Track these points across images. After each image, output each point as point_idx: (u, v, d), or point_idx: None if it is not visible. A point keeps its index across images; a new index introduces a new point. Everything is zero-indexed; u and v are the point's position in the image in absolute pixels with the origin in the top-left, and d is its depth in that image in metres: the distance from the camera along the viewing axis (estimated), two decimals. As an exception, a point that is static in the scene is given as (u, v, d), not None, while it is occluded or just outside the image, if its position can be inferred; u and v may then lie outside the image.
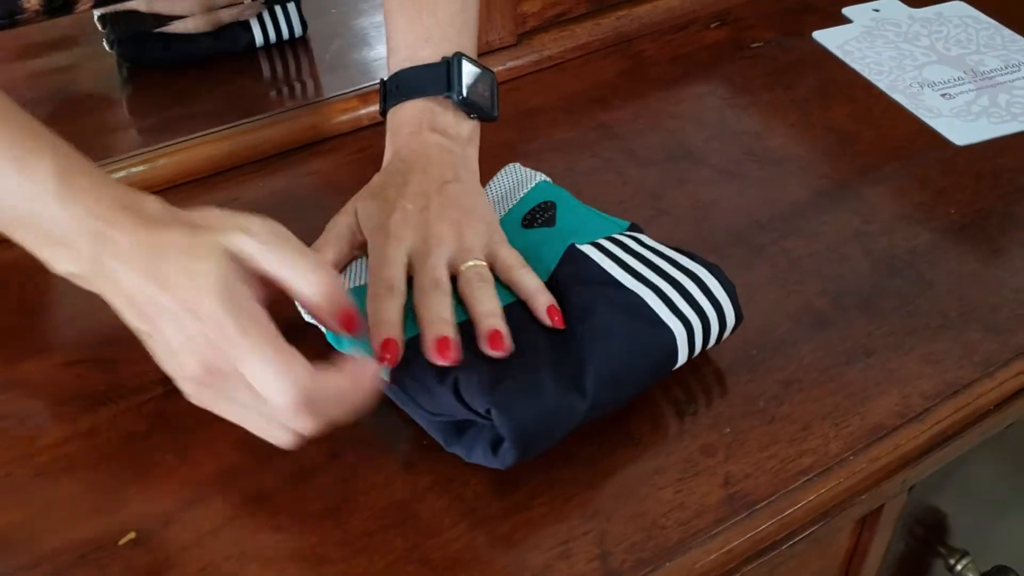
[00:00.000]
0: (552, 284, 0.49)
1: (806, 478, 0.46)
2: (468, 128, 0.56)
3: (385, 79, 0.57)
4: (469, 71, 0.55)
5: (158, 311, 0.40)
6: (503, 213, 0.55)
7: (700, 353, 0.49)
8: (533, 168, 0.58)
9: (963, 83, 0.70)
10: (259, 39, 0.71)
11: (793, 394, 0.50)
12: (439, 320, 0.46)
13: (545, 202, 0.54)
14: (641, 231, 0.53)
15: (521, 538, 0.43)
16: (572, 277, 0.49)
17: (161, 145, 0.61)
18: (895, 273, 0.57)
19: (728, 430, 0.48)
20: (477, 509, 0.44)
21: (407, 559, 0.43)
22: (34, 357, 0.51)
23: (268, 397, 0.39)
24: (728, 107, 0.70)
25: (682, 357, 0.47)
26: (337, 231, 0.51)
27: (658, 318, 0.46)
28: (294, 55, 0.73)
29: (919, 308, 0.55)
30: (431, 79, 0.55)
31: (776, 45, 0.76)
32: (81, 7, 0.61)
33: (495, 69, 0.60)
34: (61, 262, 0.41)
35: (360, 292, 0.49)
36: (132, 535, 0.43)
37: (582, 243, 0.50)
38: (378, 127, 0.60)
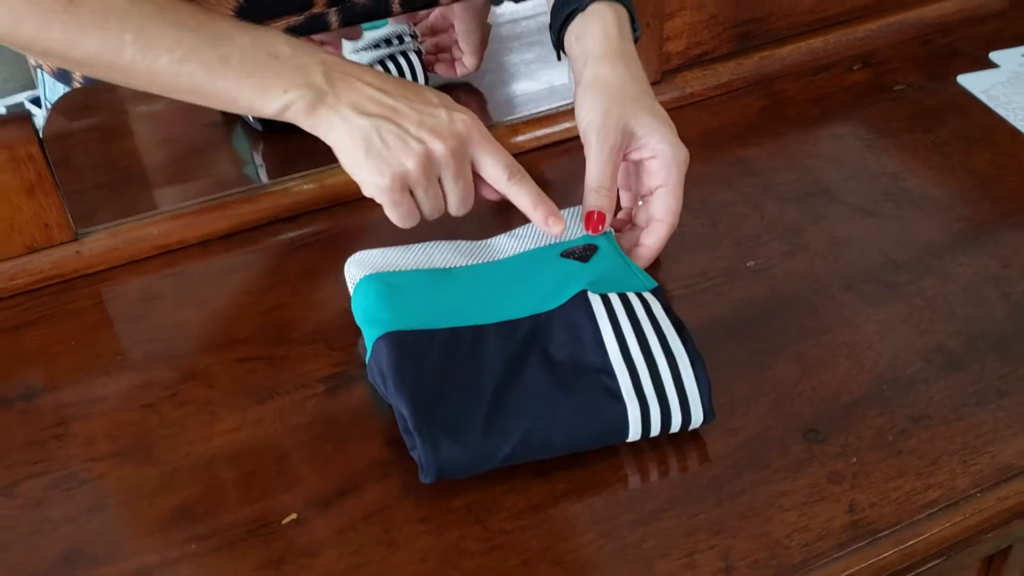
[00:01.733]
0: (547, 318, 0.52)
1: (932, 511, 0.47)
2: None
3: None
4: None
5: (392, 110, 0.51)
6: (549, 244, 0.59)
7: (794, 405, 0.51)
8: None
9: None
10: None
11: (922, 430, 0.51)
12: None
13: (590, 244, 0.57)
14: (663, 296, 0.54)
15: (649, 548, 0.46)
16: (564, 322, 0.52)
17: (325, 168, 0.67)
18: (1033, 317, 0.57)
19: (855, 460, 0.49)
20: (608, 518, 0.47)
21: (540, 559, 0.46)
22: (214, 352, 0.56)
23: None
24: (867, 148, 0.71)
25: (634, 433, 0.49)
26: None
27: (618, 392, 0.49)
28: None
29: (1057, 354, 0.55)
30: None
31: (919, 88, 0.77)
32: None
33: None
34: (285, 96, 0.51)
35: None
36: (294, 516, 0.47)
37: (597, 291, 0.52)
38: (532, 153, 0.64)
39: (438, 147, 0.51)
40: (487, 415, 0.48)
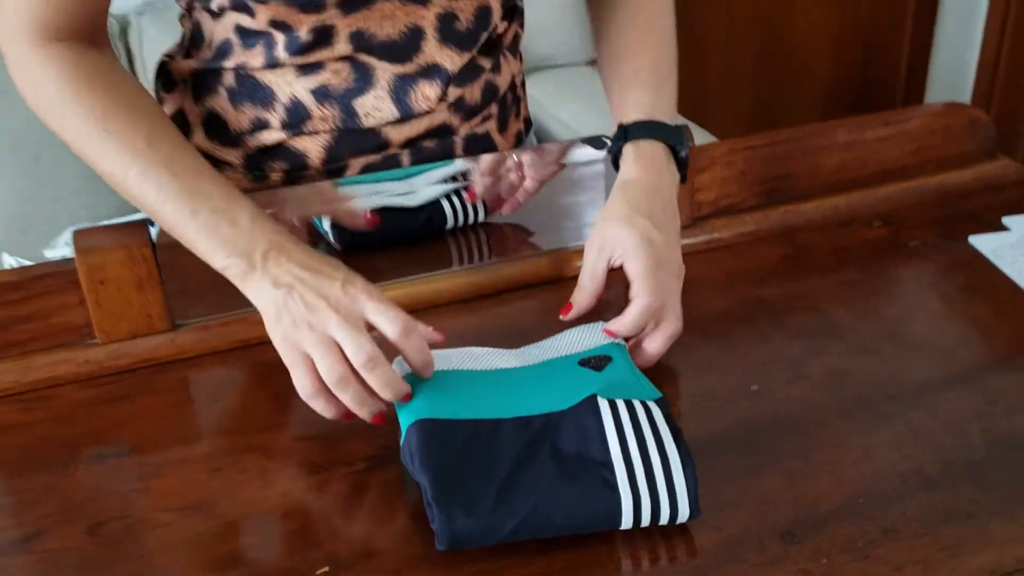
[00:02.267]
0: (559, 416, 0.60)
1: (889, 609, 0.52)
2: (677, 177, 0.73)
3: (625, 123, 0.74)
4: (686, 159, 0.75)
5: (300, 281, 0.62)
6: (570, 353, 0.67)
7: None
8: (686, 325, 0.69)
9: (1108, 292, 0.76)
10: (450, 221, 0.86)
11: (890, 541, 0.56)
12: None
13: (606, 355, 0.66)
14: (666, 406, 0.61)
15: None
16: (574, 421, 0.59)
17: (415, 276, 0.77)
18: (1011, 451, 0.62)
19: (825, 561, 0.55)
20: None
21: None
22: (276, 430, 0.66)
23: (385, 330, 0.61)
24: (876, 295, 0.78)
25: (626, 522, 0.56)
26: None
27: (615, 484, 0.56)
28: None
29: (1027, 483, 0.60)
30: (669, 133, 0.73)
31: (932, 246, 0.84)
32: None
33: None
34: (226, 260, 0.64)
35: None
36: (326, 569, 0.55)
37: (606, 396, 0.60)
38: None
39: (328, 318, 0.60)
40: (498, 494, 0.56)
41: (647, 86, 0.76)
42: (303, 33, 0.72)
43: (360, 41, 0.73)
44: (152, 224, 0.71)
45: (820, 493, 0.59)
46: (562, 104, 1.79)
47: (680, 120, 0.77)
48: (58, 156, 1.66)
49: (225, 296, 0.67)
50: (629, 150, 0.72)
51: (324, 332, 0.60)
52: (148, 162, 0.65)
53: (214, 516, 0.59)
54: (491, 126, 0.83)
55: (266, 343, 0.67)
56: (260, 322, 0.64)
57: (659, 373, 0.69)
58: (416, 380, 0.63)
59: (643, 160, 0.72)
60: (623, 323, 0.67)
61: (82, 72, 0.67)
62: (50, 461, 0.64)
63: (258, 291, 0.63)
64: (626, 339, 0.69)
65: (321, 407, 0.61)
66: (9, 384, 0.70)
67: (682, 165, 0.74)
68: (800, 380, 0.69)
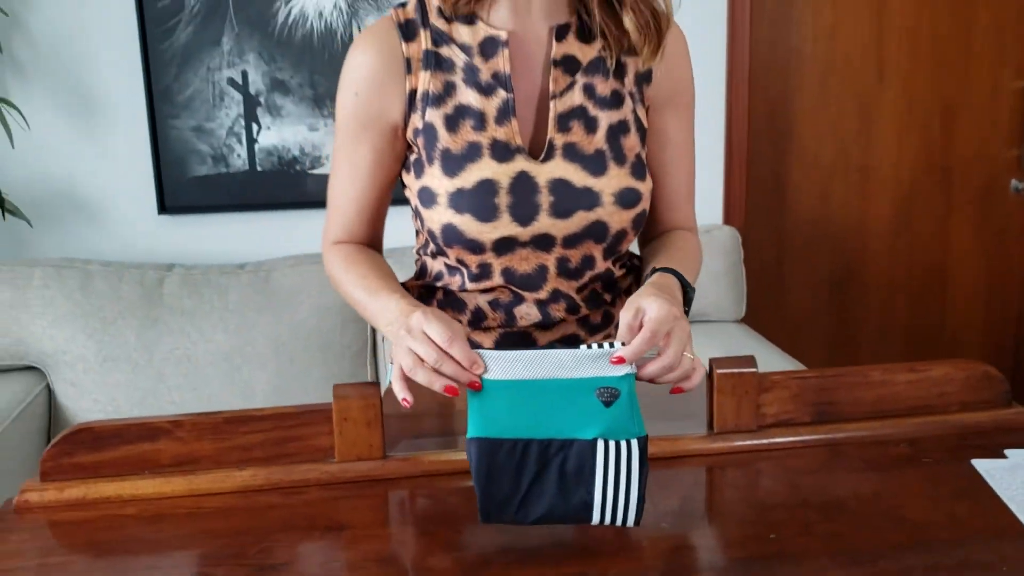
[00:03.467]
0: (570, 443, 0.94)
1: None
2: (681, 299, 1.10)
3: (656, 267, 1.10)
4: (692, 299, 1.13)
5: (404, 326, 1.00)
6: (596, 375, 0.96)
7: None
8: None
9: (1066, 505, 0.99)
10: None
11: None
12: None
13: (616, 390, 0.96)
14: (645, 443, 0.94)
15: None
16: (578, 450, 0.94)
17: None
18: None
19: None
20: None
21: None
22: (440, 554, 1.00)
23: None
24: (886, 489, 1.05)
25: (595, 519, 0.93)
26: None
27: (591, 504, 0.93)
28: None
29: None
30: (682, 278, 1.09)
31: (941, 462, 1.10)
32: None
33: (738, 444, 1.08)
34: (385, 327, 1.05)
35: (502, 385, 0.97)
36: None
37: (604, 437, 0.94)
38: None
39: (419, 321, 0.98)
40: (520, 502, 0.93)
41: (673, 260, 1.14)
42: (473, 268, 1.14)
43: (508, 275, 1.14)
44: (378, 385, 1.10)
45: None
46: (710, 354, 2.13)
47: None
48: (303, 355, 2.16)
49: (419, 440, 1.04)
50: (655, 275, 1.09)
51: (419, 329, 0.97)
52: (361, 281, 1.12)
53: (397, 569, 0.93)
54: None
55: (436, 475, 1.02)
56: (439, 460, 0.99)
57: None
58: (473, 394, 0.97)
59: (663, 279, 1.07)
60: (630, 349, 0.96)
61: (352, 251, 1.17)
62: (297, 528, 1.00)
63: (392, 332, 1.04)
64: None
65: (422, 377, 0.97)
66: (278, 479, 1.08)
67: (687, 300, 1.09)
68: (808, 535, 0.97)
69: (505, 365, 0.97)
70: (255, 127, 2.34)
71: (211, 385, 2.11)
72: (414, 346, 0.97)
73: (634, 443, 0.94)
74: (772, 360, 2.13)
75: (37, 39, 2.27)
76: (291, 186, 2.38)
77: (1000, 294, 2.86)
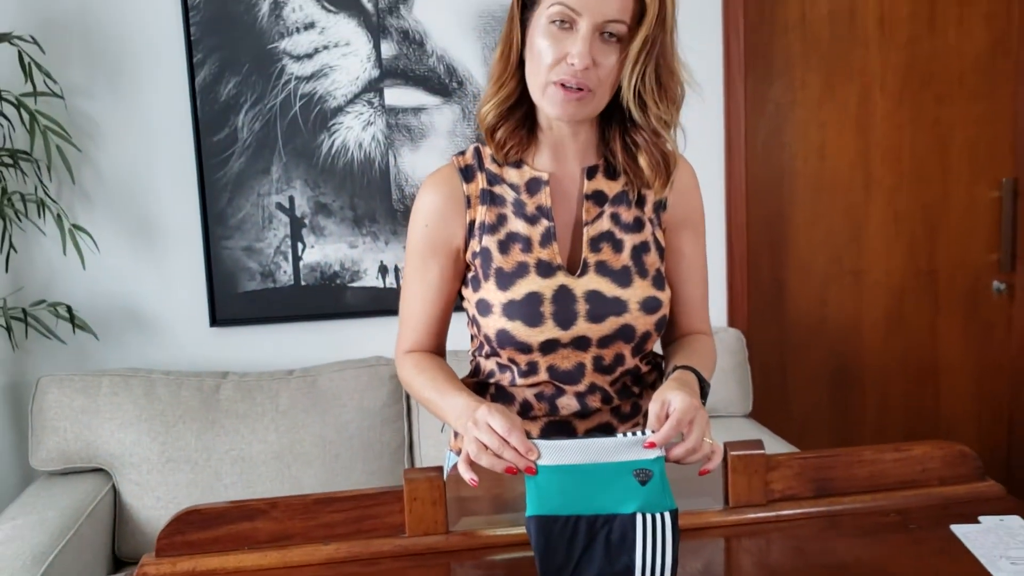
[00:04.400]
0: (615, 517, 1.12)
1: None
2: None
3: (677, 364, 1.31)
4: (708, 392, 1.30)
5: (471, 421, 1.19)
6: (632, 459, 1.16)
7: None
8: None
9: (1030, 560, 1.18)
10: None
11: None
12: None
13: (649, 471, 1.14)
14: (676, 516, 1.12)
15: None
16: (621, 523, 1.12)
17: None
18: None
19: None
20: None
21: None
22: (502, 579, 1.18)
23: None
24: (882, 554, 1.23)
25: None
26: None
27: (632, 569, 1.10)
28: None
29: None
30: (699, 374, 1.28)
31: (925, 528, 1.28)
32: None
33: (750, 517, 1.28)
34: (452, 424, 1.25)
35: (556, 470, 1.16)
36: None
37: (642, 511, 1.11)
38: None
39: (482, 415, 1.19)
40: (574, 569, 1.10)
41: (692, 360, 1.34)
42: (523, 366, 1.35)
43: (552, 371, 1.35)
44: (442, 470, 1.29)
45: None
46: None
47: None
48: (347, 452, 2.34)
49: (475, 519, 1.23)
50: (676, 371, 1.29)
51: (484, 421, 1.17)
52: (422, 387, 1.35)
53: (468, 616, 1.11)
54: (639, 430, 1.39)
55: (490, 547, 1.19)
56: (494, 536, 1.17)
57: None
58: (529, 478, 1.15)
59: (684, 375, 1.27)
60: (660, 435, 1.16)
61: (421, 358, 1.39)
62: (382, 587, 1.19)
63: (460, 425, 1.25)
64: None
65: (486, 461, 1.16)
66: (358, 552, 1.27)
67: (704, 394, 1.29)
68: (789, 569, 1.15)
69: (555, 452, 1.17)
70: (300, 246, 2.58)
71: (264, 482, 2.29)
72: (479, 435, 1.17)
73: (667, 515, 1.13)
74: (777, 449, 2.31)
75: (105, 171, 2.53)
76: (333, 298, 2.61)
77: (990, 386, 3.05)
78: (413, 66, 2.54)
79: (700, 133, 2.71)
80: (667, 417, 1.18)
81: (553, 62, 1.25)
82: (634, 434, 1.17)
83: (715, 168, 2.76)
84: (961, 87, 2.90)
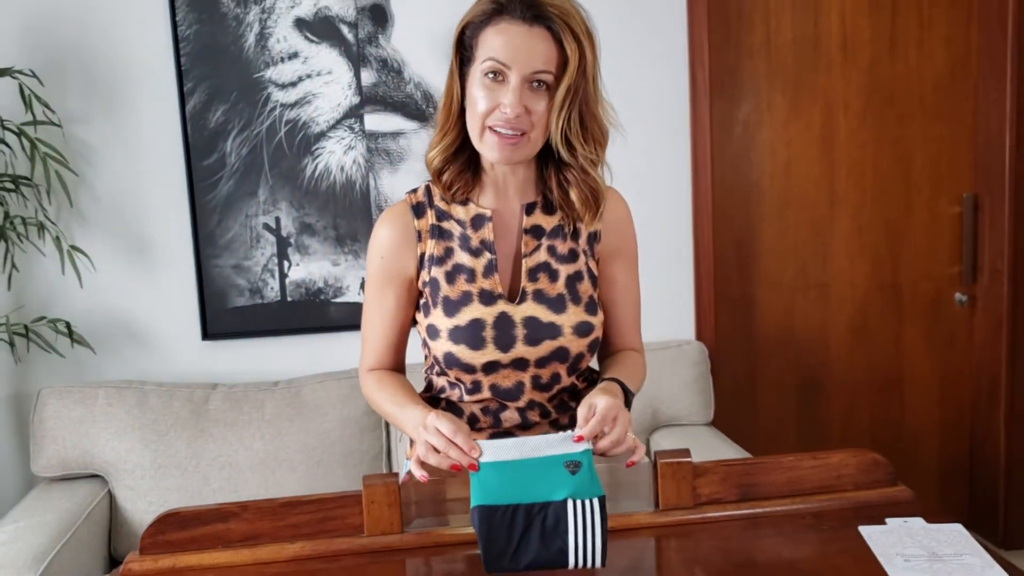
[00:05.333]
0: (548, 505, 1.25)
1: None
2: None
3: (606, 376, 1.45)
4: (632, 400, 1.43)
5: (424, 435, 1.34)
6: (563, 452, 1.30)
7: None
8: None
9: (921, 558, 1.30)
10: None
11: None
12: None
13: (578, 462, 1.28)
14: (604, 502, 1.25)
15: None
16: (555, 511, 1.25)
17: None
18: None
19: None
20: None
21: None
22: None
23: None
24: (793, 552, 1.36)
25: (571, 563, 1.21)
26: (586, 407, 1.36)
27: (566, 551, 1.22)
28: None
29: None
30: (624, 385, 1.42)
31: (835, 529, 1.41)
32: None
33: (679, 518, 1.41)
34: (411, 430, 1.37)
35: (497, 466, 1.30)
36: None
37: (573, 497, 1.24)
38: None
39: (423, 436, 1.34)
40: (513, 552, 1.23)
41: (619, 373, 1.49)
42: (468, 384, 1.49)
43: (494, 389, 1.49)
44: (397, 476, 1.42)
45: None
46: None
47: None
48: (328, 459, 2.47)
49: (427, 520, 1.36)
50: (604, 382, 1.43)
51: (432, 426, 1.32)
52: (383, 401, 1.48)
53: (412, 607, 1.24)
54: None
55: (442, 546, 1.33)
56: (445, 535, 1.31)
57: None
58: (473, 474, 1.29)
59: (608, 385, 1.42)
60: (587, 429, 1.30)
61: (382, 376, 1.52)
62: (339, 582, 1.32)
63: (415, 433, 1.39)
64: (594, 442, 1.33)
65: (434, 460, 1.31)
66: (321, 550, 1.40)
67: (627, 401, 1.44)
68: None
69: (495, 450, 1.32)
70: (286, 264, 2.72)
71: (249, 487, 2.42)
72: (428, 438, 1.31)
73: (596, 501, 1.26)
74: (733, 456, 2.43)
75: (101, 194, 2.67)
76: (317, 313, 2.74)
77: (953, 394, 3.17)
78: (392, 93, 2.68)
79: (667, 153, 2.85)
80: (593, 416, 1.33)
81: (487, 111, 1.39)
82: (564, 431, 1.32)
83: (682, 187, 2.89)
84: (922, 107, 3.02)
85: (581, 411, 1.35)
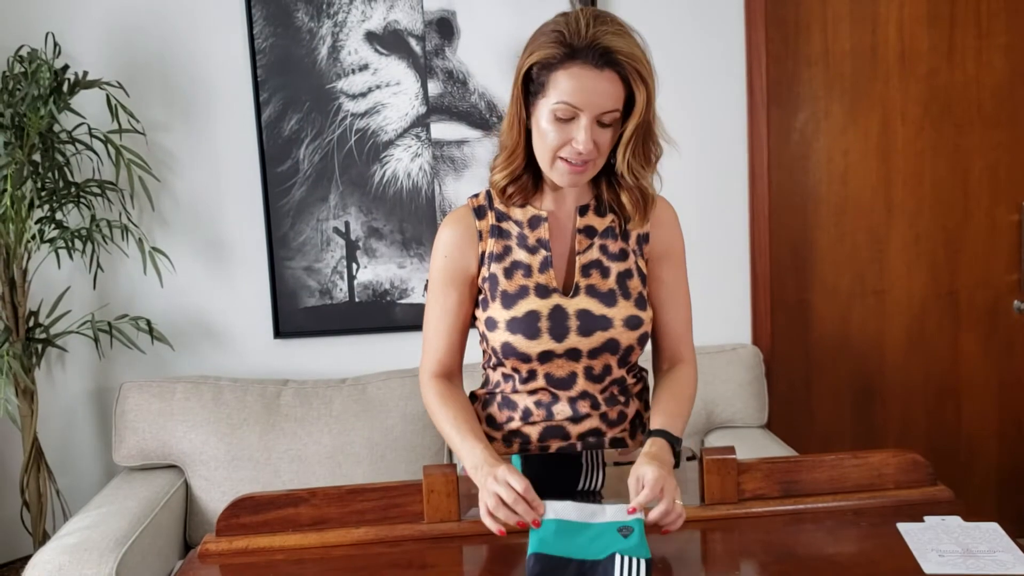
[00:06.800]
0: (599, 563, 1.30)
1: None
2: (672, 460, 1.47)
3: (652, 428, 1.51)
4: (680, 448, 1.49)
5: (494, 487, 1.40)
6: (617, 519, 1.37)
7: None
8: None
9: (955, 554, 1.35)
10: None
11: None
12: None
13: (631, 527, 1.34)
14: (650, 565, 1.29)
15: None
16: (604, 568, 1.29)
17: None
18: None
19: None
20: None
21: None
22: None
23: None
24: (832, 547, 1.42)
25: None
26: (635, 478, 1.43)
27: None
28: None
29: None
30: (672, 440, 1.47)
31: (874, 526, 1.47)
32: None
33: (723, 512, 1.48)
34: (470, 467, 1.44)
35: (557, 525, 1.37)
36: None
37: (622, 554, 1.29)
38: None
39: (492, 484, 1.40)
40: None
41: (668, 411, 1.55)
42: (523, 373, 1.58)
43: (549, 379, 1.58)
44: (456, 467, 1.52)
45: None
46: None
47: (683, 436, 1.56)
48: (391, 453, 2.58)
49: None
50: (650, 441, 1.49)
51: (504, 479, 1.39)
52: (444, 422, 1.54)
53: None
54: (625, 435, 1.61)
55: (491, 533, 1.42)
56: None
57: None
58: (536, 532, 1.36)
59: (657, 446, 1.47)
60: (638, 501, 1.37)
61: (445, 390, 1.59)
62: (397, 567, 1.41)
63: (476, 477, 1.45)
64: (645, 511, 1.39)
65: (503, 514, 1.37)
66: (384, 535, 1.50)
67: (676, 456, 1.49)
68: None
69: (558, 509, 1.40)
70: (355, 266, 2.84)
71: (317, 479, 2.54)
72: (498, 490, 1.40)
73: (643, 562, 1.32)
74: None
75: (181, 199, 2.82)
76: (383, 313, 2.86)
77: (1010, 402, 3.17)
78: (457, 103, 2.78)
79: (724, 160, 2.90)
80: (643, 488, 1.40)
81: (559, 145, 1.48)
82: (619, 503, 1.41)
83: (740, 193, 2.94)
84: (980, 115, 3.03)
85: (631, 483, 1.43)
